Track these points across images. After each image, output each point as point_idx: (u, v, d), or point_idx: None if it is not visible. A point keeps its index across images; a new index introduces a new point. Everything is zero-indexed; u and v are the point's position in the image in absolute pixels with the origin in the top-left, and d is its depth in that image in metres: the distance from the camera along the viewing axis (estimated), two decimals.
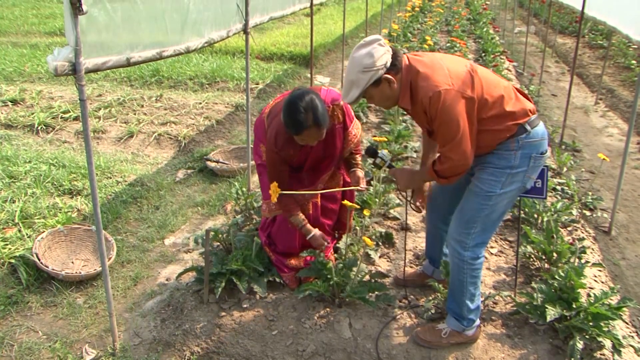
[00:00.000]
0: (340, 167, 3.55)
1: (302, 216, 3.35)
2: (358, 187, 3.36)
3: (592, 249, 4.08)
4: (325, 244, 3.36)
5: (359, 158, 3.53)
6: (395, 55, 2.60)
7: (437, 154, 2.77)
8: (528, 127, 2.63)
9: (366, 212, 3.73)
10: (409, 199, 3.23)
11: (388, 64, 2.57)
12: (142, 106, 7.39)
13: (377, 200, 4.37)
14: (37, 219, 4.25)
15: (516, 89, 2.76)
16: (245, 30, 4.58)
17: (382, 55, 2.55)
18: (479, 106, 2.56)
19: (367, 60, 2.53)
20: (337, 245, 3.68)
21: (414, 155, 5.63)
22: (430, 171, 2.75)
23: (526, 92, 8.17)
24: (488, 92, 2.59)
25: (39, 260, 3.62)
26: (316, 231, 3.36)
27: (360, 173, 3.47)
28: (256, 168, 3.64)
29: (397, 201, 4.46)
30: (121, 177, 5.18)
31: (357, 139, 3.44)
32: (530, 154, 2.67)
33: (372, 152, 3.14)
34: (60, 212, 4.35)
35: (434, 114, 2.52)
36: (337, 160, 3.45)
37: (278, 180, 3.14)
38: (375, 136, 4.89)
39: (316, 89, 3.17)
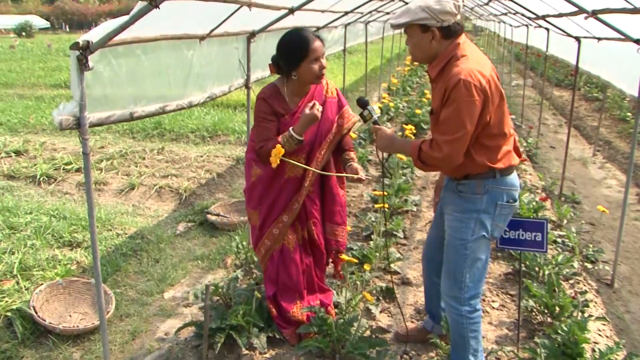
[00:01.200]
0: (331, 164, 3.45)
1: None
2: (358, 176, 3.30)
3: (595, 302, 4.03)
4: (317, 108, 3.06)
5: (353, 155, 3.45)
6: (456, 24, 2.58)
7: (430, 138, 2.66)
8: (497, 174, 2.67)
9: (367, 267, 3.73)
10: (385, 162, 3.18)
11: (445, 24, 2.55)
12: (144, 158, 7.46)
13: (377, 254, 4.36)
14: (36, 271, 4.22)
15: (514, 143, 2.80)
16: (247, 85, 4.67)
17: (447, 12, 2.52)
18: (483, 128, 2.57)
19: (432, 2, 2.52)
20: (338, 300, 3.65)
21: (414, 209, 5.63)
22: (414, 147, 2.65)
23: (524, 144, 8.27)
24: (500, 123, 2.62)
25: (36, 313, 3.58)
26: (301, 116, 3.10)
27: (357, 165, 3.36)
28: (246, 210, 3.51)
29: (398, 255, 4.44)
30: (122, 229, 5.18)
31: (353, 122, 3.41)
32: (496, 201, 2.69)
33: (362, 102, 3.03)
34: (59, 265, 4.33)
35: (452, 97, 2.48)
36: (332, 140, 3.36)
37: (265, 135, 3.13)
38: (375, 190, 4.91)
39: None
